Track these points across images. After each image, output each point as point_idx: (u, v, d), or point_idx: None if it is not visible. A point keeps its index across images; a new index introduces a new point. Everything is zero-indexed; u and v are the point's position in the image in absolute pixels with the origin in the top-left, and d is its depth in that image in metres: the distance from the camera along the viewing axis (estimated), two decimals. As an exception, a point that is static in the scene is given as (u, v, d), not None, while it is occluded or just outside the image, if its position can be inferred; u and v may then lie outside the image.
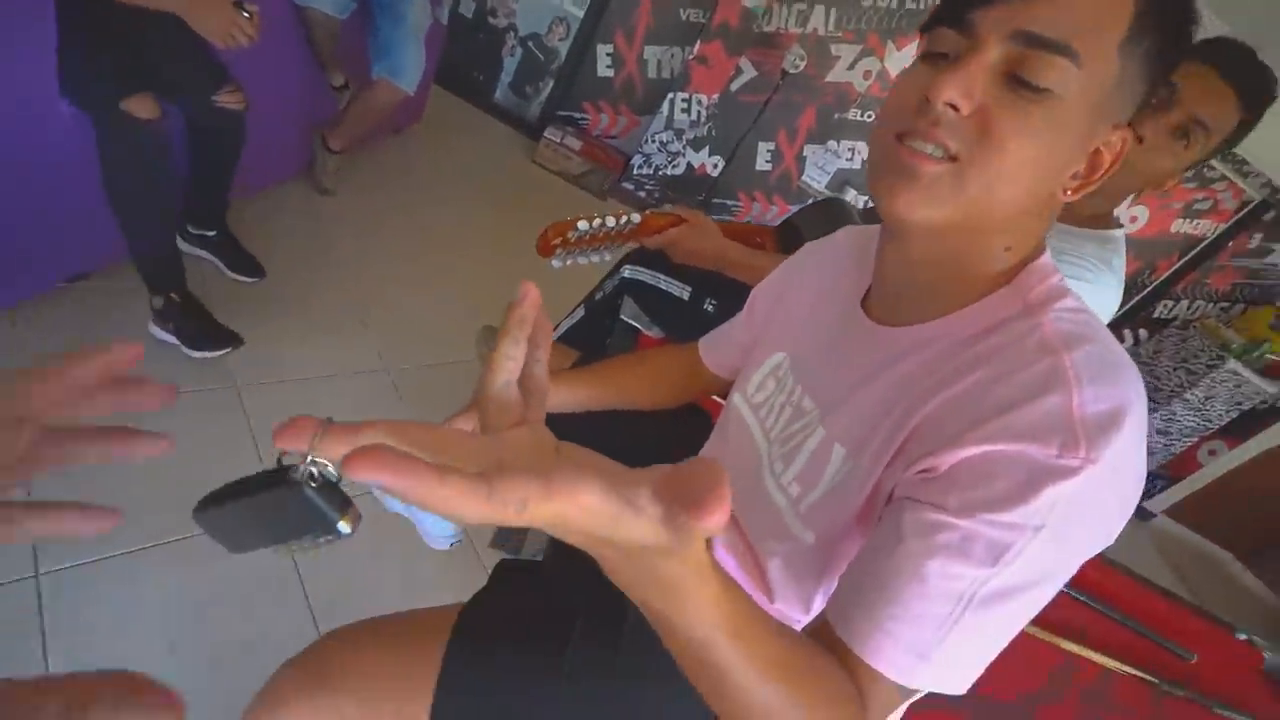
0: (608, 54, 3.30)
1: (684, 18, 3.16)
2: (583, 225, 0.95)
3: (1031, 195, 0.46)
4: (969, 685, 0.42)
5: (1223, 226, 3.52)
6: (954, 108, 0.43)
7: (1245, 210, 3.45)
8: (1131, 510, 0.44)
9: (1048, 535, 0.39)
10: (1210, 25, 0.59)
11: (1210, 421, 3.60)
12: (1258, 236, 3.49)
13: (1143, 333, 3.88)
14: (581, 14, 3.15)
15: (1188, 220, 3.52)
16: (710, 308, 1.07)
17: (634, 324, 1.13)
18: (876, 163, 0.48)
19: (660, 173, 3.33)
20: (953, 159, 0.44)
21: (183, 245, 1.57)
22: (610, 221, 0.97)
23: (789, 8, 3.07)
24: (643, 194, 3.42)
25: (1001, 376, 0.44)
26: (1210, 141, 0.81)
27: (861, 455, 0.52)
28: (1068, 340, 0.44)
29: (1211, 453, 3.77)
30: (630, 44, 3.26)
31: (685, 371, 0.85)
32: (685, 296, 1.08)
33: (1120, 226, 0.93)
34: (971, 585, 0.40)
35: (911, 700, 0.44)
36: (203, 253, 1.65)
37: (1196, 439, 3.69)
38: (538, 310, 0.32)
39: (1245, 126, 0.80)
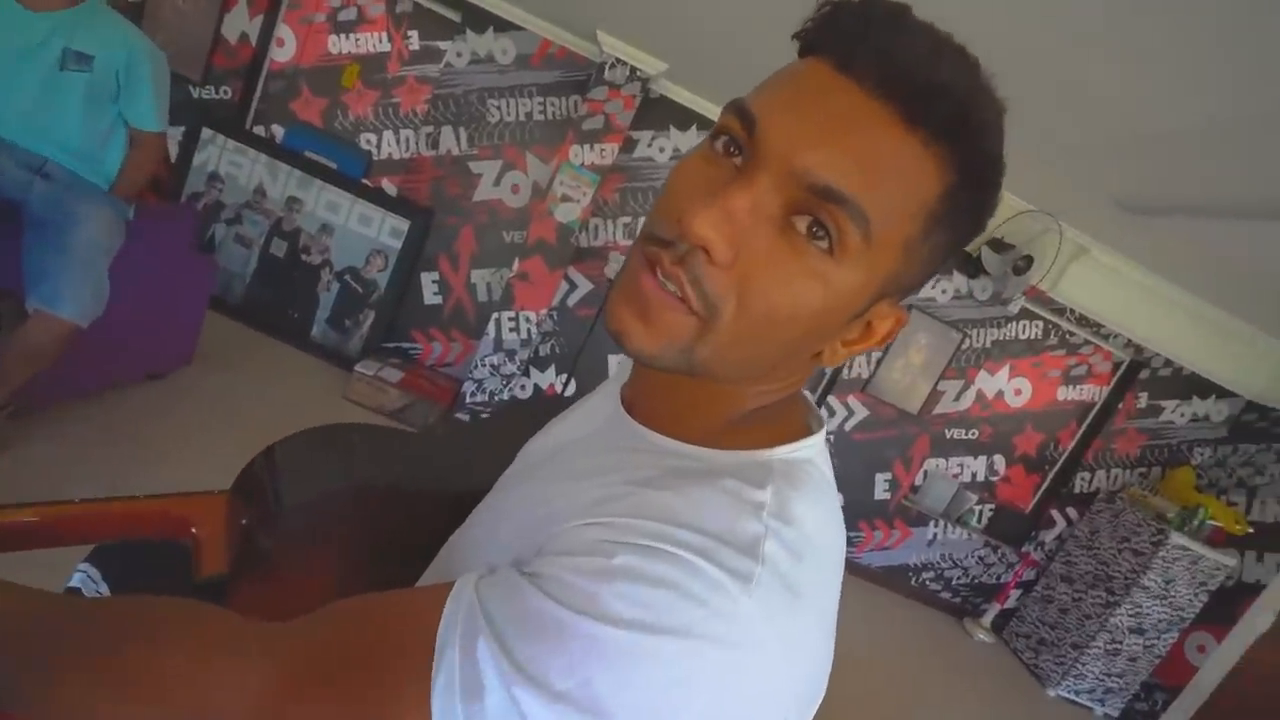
0: (434, 281, 3.09)
1: (507, 239, 3.04)
2: None
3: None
4: None
5: (1106, 389, 3.36)
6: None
7: (1120, 371, 3.33)
8: None
9: None
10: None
11: (1183, 611, 3.04)
12: (1144, 396, 3.32)
13: (1072, 512, 3.46)
14: (399, 245, 2.99)
15: (1071, 387, 3.35)
16: None
17: None
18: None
19: (496, 398, 2.94)
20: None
21: None
22: None
23: (614, 221, 3.03)
24: (479, 422, 2.98)
25: None
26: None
27: None
28: None
29: (1200, 648, 3.15)
30: (456, 269, 3.08)
31: None
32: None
33: (818, 428, 0.44)
34: None
35: None
36: None
37: (1177, 634, 3.09)
38: None
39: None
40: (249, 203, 2.97)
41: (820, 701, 0.35)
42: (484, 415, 2.99)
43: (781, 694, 0.32)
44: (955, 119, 0.33)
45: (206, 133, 2.91)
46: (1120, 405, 3.32)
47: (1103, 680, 3.18)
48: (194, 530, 0.55)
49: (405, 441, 0.66)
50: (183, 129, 2.90)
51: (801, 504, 0.37)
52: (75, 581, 0.64)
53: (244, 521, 0.54)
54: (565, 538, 0.35)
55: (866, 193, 0.33)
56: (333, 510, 0.57)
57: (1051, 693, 3.19)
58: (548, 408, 0.65)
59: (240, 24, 2.84)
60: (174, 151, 2.92)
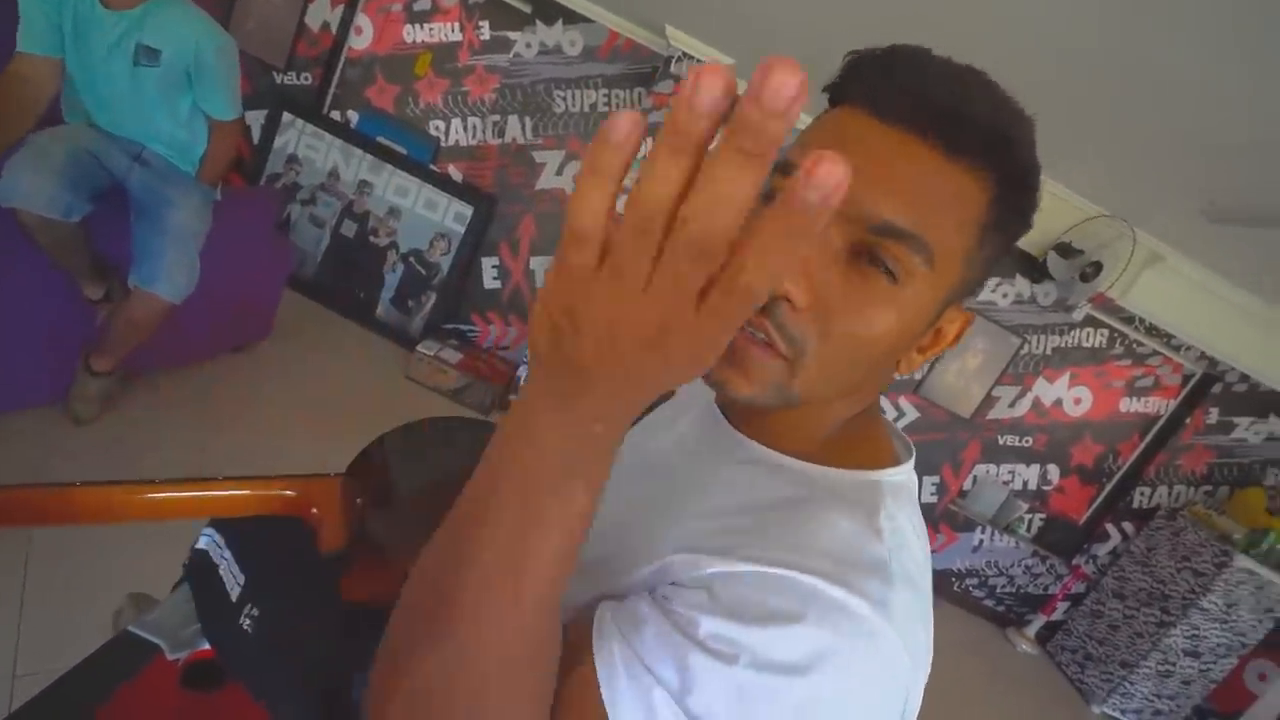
0: (494, 266, 3.19)
1: (567, 229, 3.10)
2: None
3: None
4: None
5: (1174, 403, 3.23)
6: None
7: (1191, 385, 3.20)
8: None
9: None
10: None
11: (1244, 636, 2.92)
12: (1214, 411, 3.18)
13: (1128, 527, 3.36)
14: (463, 230, 3.09)
15: (1135, 399, 3.24)
16: (247, 623, 0.57)
17: (149, 638, 0.61)
18: None
19: (550, 381, 3.01)
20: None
21: None
22: None
23: (671, 214, 3.05)
24: (533, 405, 3.07)
25: None
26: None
27: None
28: None
29: (1262, 676, 3.03)
30: (516, 256, 3.17)
31: None
32: (234, 595, 0.59)
33: (907, 455, 0.48)
34: None
35: None
36: None
37: (1236, 659, 2.98)
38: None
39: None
40: (323, 185, 3.11)
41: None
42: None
43: (910, 690, 0.36)
44: (991, 142, 0.36)
45: (287, 117, 3.05)
46: (1189, 420, 3.19)
47: (1151, 701, 3.09)
48: (314, 510, 0.61)
49: None
50: (265, 113, 3.05)
51: (906, 523, 0.41)
52: (202, 544, 0.72)
53: (359, 501, 0.60)
54: (709, 588, 0.36)
55: (924, 223, 0.36)
56: (439, 499, 0.63)
57: (1096, 710, 3.12)
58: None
59: (322, 13, 2.96)
60: (256, 134, 3.08)
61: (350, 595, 0.67)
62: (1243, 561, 2.81)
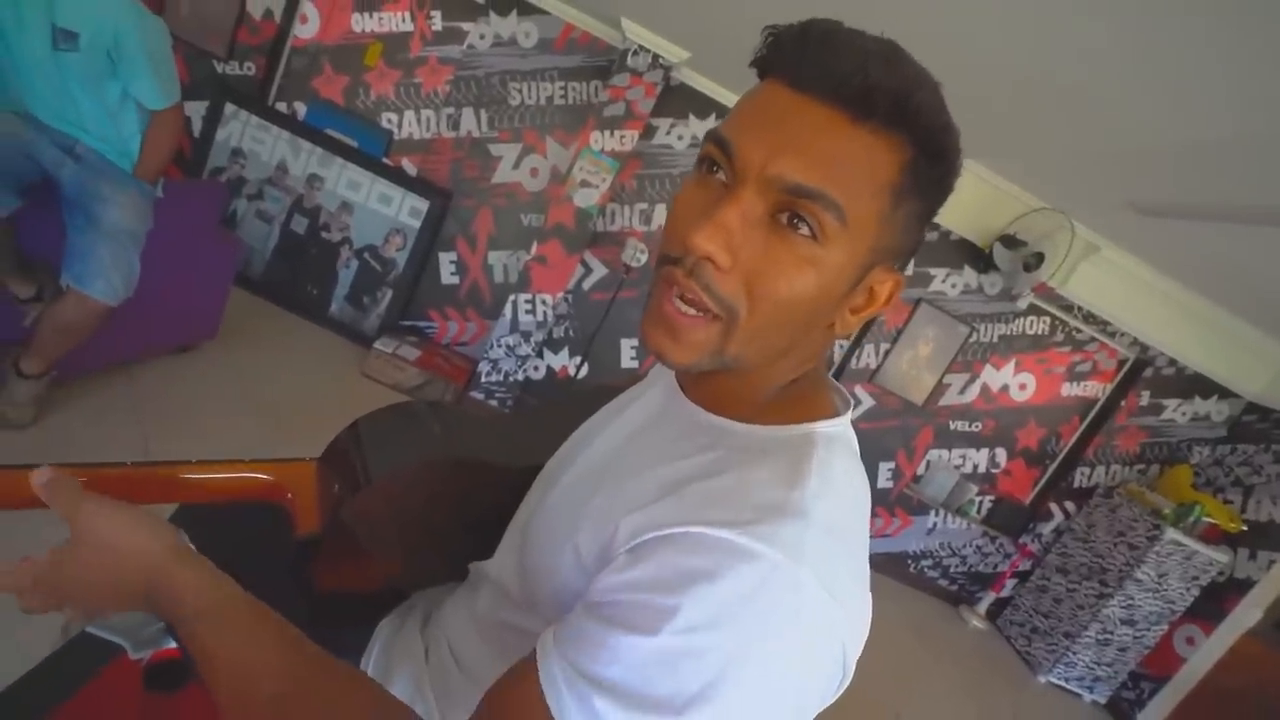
0: (451, 261, 3.14)
1: (525, 223, 3.08)
2: None
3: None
4: None
5: (1110, 387, 3.41)
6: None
7: (1124, 369, 3.38)
8: None
9: None
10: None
11: (1174, 604, 3.12)
12: (1146, 394, 3.37)
13: (1069, 505, 3.53)
14: (418, 225, 3.03)
15: (1075, 383, 3.40)
16: None
17: (110, 639, 0.60)
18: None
19: (511, 378, 2.99)
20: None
21: None
22: None
23: (631, 207, 3.06)
24: (494, 402, 3.04)
25: None
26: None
27: None
28: None
29: (1189, 640, 3.23)
30: (474, 250, 3.13)
31: None
32: None
33: (845, 408, 0.50)
34: None
35: None
36: None
37: (1167, 626, 3.17)
38: None
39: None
40: (270, 179, 3.01)
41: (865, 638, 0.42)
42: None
43: (839, 628, 0.38)
44: (894, 107, 0.38)
45: (230, 108, 2.94)
46: (1123, 403, 3.37)
47: (1092, 669, 3.27)
48: (289, 495, 0.60)
49: (474, 419, 0.72)
50: (206, 104, 2.93)
51: (839, 470, 0.44)
52: None
53: (336, 488, 0.60)
54: (631, 554, 0.40)
55: (832, 184, 0.39)
56: (412, 485, 0.63)
57: (1042, 679, 3.28)
58: (613, 391, 0.69)
59: (265, 0, 2.85)
60: (197, 126, 2.96)
61: (322, 582, 0.67)
62: (1172, 534, 2.99)
